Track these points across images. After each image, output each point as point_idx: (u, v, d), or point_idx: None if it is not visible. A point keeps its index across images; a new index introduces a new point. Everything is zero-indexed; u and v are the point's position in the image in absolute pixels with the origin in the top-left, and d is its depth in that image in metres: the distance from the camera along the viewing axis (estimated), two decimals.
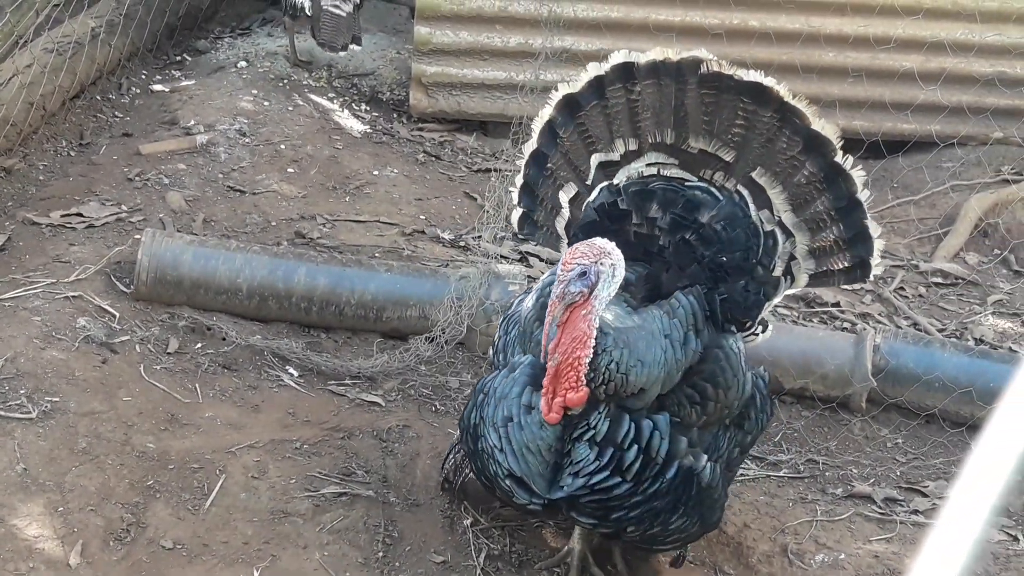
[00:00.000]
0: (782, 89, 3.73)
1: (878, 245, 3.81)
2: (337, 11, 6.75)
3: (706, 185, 3.77)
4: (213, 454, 4.14)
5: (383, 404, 4.54)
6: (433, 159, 6.52)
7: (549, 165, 3.95)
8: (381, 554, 3.89)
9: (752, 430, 3.69)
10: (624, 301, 3.46)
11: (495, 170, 5.81)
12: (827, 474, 4.53)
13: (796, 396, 4.86)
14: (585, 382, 3.25)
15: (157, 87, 6.79)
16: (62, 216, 5.30)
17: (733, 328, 3.63)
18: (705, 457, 3.46)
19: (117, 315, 4.68)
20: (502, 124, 6.39)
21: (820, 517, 4.22)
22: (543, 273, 4.30)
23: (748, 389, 3.60)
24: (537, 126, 3.97)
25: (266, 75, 6.91)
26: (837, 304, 5.46)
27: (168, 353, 4.61)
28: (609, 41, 6.40)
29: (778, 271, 3.79)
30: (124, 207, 5.42)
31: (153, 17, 7.01)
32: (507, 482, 3.41)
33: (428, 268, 5.06)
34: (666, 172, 3.80)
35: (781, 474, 4.49)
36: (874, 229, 3.80)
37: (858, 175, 3.75)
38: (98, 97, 6.56)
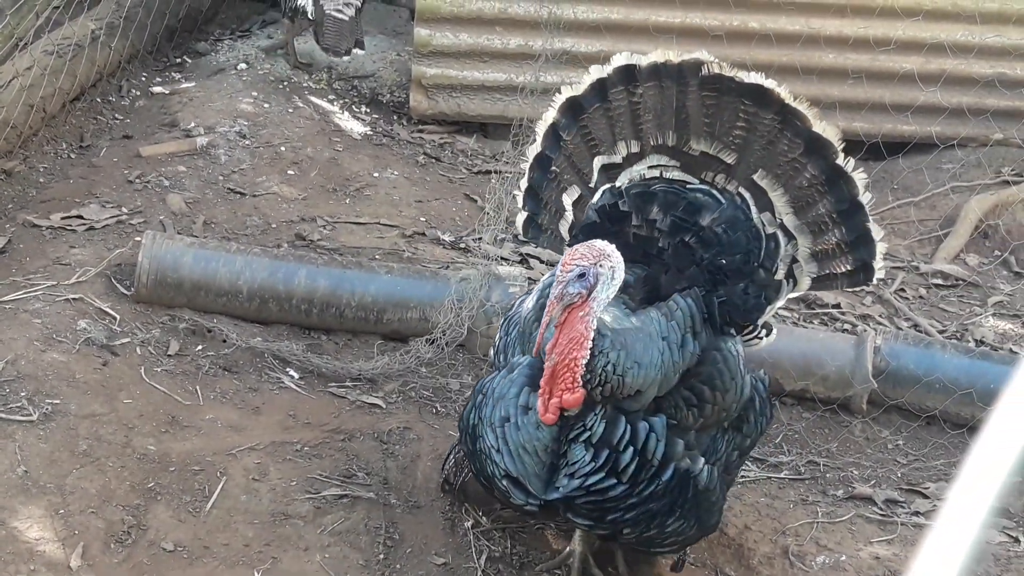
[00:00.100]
0: (783, 91, 3.72)
1: (880, 248, 3.80)
2: (340, 15, 6.76)
3: (708, 188, 3.76)
4: (214, 456, 4.15)
5: (384, 406, 4.54)
6: (433, 161, 6.52)
7: (553, 168, 3.95)
8: (382, 556, 3.89)
9: (751, 433, 3.69)
10: (623, 303, 3.46)
11: (495, 172, 5.81)
12: (828, 476, 4.53)
13: (797, 398, 4.86)
14: (581, 383, 3.25)
15: (157, 89, 6.79)
16: (62, 218, 5.30)
17: (732, 331, 3.63)
18: (702, 460, 3.45)
19: (117, 317, 4.68)
20: (502, 126, 6.39)
21: (821, 519, 4.22)
22: (543, 275, 4.30)
23: (747, 392, 3.60)
24: (541, 129, 3.97)
25: (266, 77, 6.91)
26: (838, 306, 5.46)
27: (169, 355, 4.61)
28: (609, 43, 6.41)
29: (780, 274, 3.78)
30: (124, 209, 5.42)
31: (153, 19, 7.01)
32: (504, 482, 3.41)
33: (428, 270, 5.06)
34: (668, 175, 3.80)
35: (782, 476, 4.49)
36: (876, 232, 3.79)
37: (859, 178, 3.75)
38: (98, 99, 6.56)
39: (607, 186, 3.85)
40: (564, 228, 3.95)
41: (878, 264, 3.81)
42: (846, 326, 5.31)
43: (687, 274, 3.56)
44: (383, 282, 4.87)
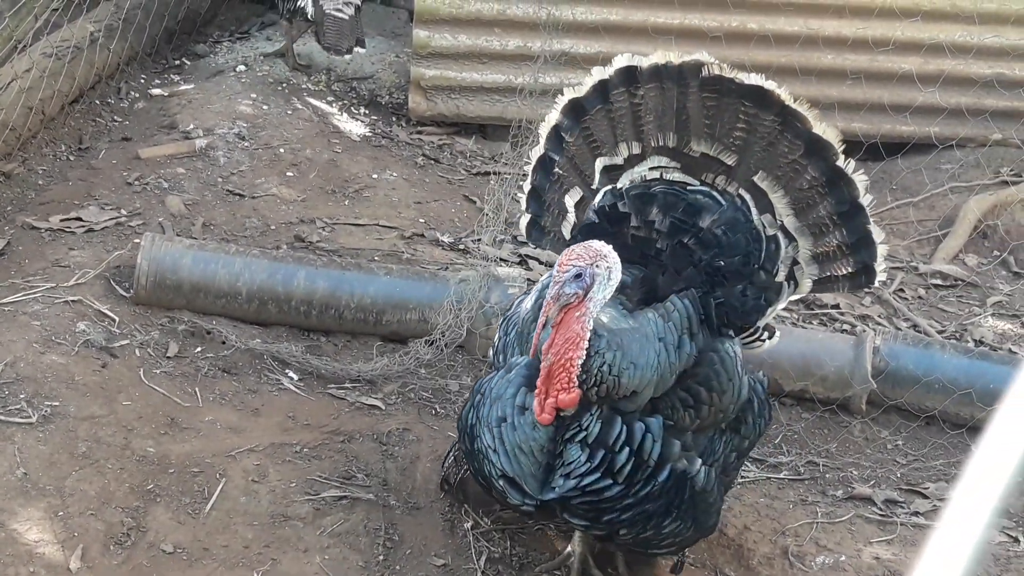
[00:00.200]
0: (783, 93, 3.72)
1: (881, 250, 3.79)
2: (340, 15, 6.78)
3: (708, 189, 3.76)
4: (213, 458, 4.14)
5: (383, 407, 4.54)
6: (432, 162, 6.52)
7: (556, 170, 3.96)
8: (381, 557, 3.89)
9: (749, 435, 3.68)
10: (620, 303, 3.46)
11: (494, 173, 5.81)
12: (827, 476, 4.53)
13: (796, 398, 4.86)
14: (577, 383, 3.25)
15: (156, 91, 6.79)
16: (61, 220, 5.30)
17: (731, 332, 3.62)
18: (700, 461, 3.45)
19: (117, 319, 4.68)
20: (501, 127, 6.40)
21: (821, 519, 4.22)
22: (542, 276, 4.30)
23: (744, 393, 3.59)
24: (544, 130, 3.97)
25: (265, 79, 6.91)
26: (837, 306, 5.46)
27: (168, 357, 4.61)
28: (608, 44, 6.42)
29: (781, 276, 3.78)
30: (123, 211, 5.42)
31: (152, 21, 7.01)
32: (501, 482, 3.42)
33: (427, 271, 5.06)
34: (668, 176, 3.80)
35: (781, 476, 4.49)
36: (877, 234, 3.78)
37: (860, 179, 3.74)
38: (97, 101, 6.56)
39: (608, 187, 3.85)
40: (567, 230, 3.94)
41: (880, 266, 3.81)
42: (845, 326, 5.31)
43: (684, 275, 3.55)
44: (382, 283, 4.87)
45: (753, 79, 3.73)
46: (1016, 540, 4.18)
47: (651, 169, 3.82)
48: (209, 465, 4.11)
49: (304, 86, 7.00)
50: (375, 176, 6.16)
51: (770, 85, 3.73)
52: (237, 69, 7.02)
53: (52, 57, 6.06)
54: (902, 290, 5.76)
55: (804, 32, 6.53)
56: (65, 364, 4.36)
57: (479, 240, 5.44)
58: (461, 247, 5.59)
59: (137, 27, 6.86)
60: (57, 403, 4.18)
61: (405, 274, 4.96)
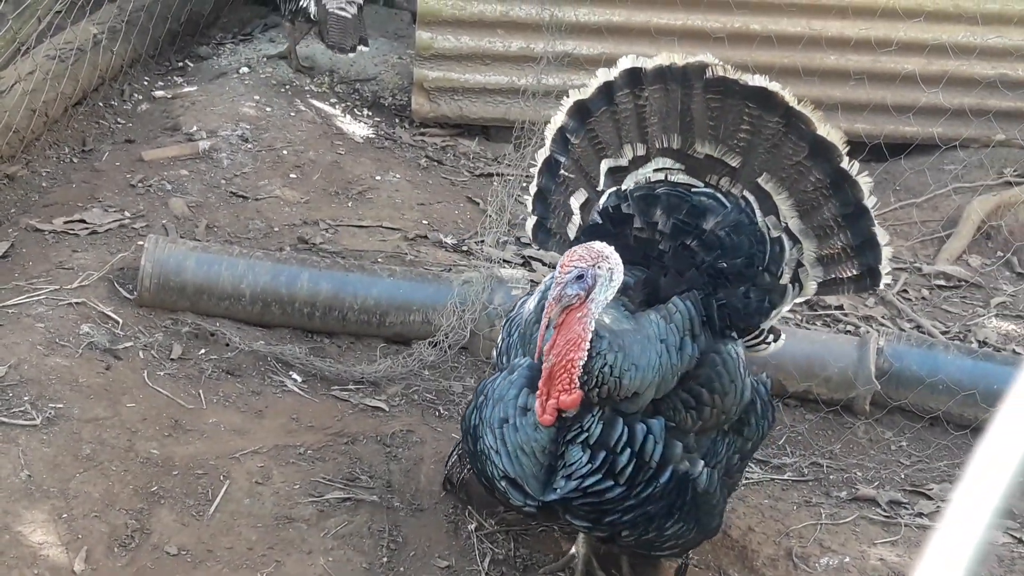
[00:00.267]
0: (787, 94, 3.71)
1: (886, 253, 3.78)
2: (343, 13, 6.80)
3: (712, 191, 3.76)
4: (217, 460, 4.15)
5: (387, 409, 4.54)
6: (435, 164, 6.53)
7: (561, 172, 3.95)
8: (385, 559, 3.89)
9: (752, 436, 3.67)
10: (622, 305, 3.45)
11: (497, 175, 5.82)
12: (831, 477, 4.52)
13: (800, 399, 4.85)
14: (579, 385, 3.25)
15: (159, 93, 6.79)
16: (65, 223, 5.31)
17: (734, 334, 3.61)
18: (702, 463, 3.44)
19: (120, 321, 4.68)
20: (504, 128, 6.40)
21: (824, 520, 4.22)
22: (546, 277, 4.30)
23: (747, 395, 3.58)
24: (550, 133, 3.97)
25: (268, 80, 6.92)
26: (840, 307, 5.46)
27: (171, 359, 4.61)
28: (611, 45, 6.42)
29: (785, 278, 3.77)
30: (127, 213, 5.43)
31: (155, 23, 7.02)
32: (503, 483, 3.41)
33: (431, 273, 5.06)
34: (672, 178, 3.80)
35: (785, 477, 4.48)
36: (882, 236, 3.77)
37: (864, 181, 3.73)
38: (100, 103, 6.57)
39: (612, 189, 3.85)
40: (572, 232, 3.94)
41: (885, 269, 3.80)
42: (849, 327, 5.31)
43: (686, 277, 3.55)
44: (385, 285, 4.88)
45: (757, 80, 3.72)
46: (1020, 541, 4.18)
47: (655, 171, 3.82)
48: (213, 467, 4.11)
49: (307, 88, 7.01)
50: (378, 178, 6.17)
51: (774, 86, 3.72)
52: (240, 71, 7.03)
53: (55, 59, 6.07)
54: (906, 291, 5.75)
55: (807, 33, 6.52)
56: (69, 366, 4.36)
57: (482, 242, 5.44)
58: (464, 249, 5.59)
59: (140, 29, 6.87)
60: (61, 405, 4.18)
61: (408, 276, 4.96)
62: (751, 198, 3.76)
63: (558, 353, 3.24)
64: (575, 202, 3.95)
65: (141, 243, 4.97)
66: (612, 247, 3.31)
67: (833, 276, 3.81)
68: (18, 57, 5.91)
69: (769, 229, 3.75)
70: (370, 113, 6.95)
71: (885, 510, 4.33)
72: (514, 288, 4.83)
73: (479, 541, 3.96)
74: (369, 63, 7.37)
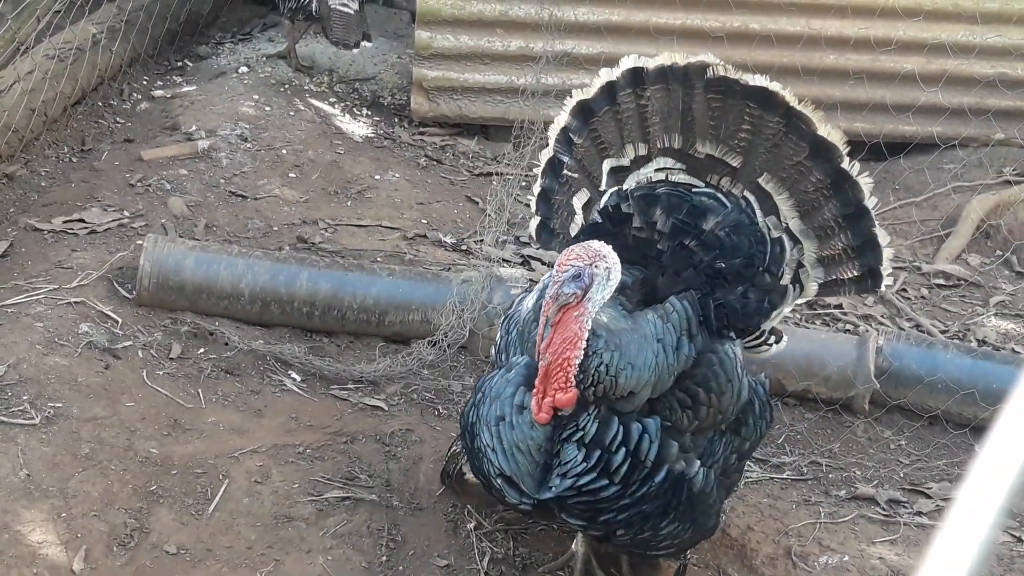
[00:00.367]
0: (788, 94, 3.71)
1: (887, 254, 3.77)
2: (345, 9, 6.86)
3: (713, 191, 3.75)
4: (216, 459, 4.15)
5: (386, 408, 4.54)
6: (434, 163, 6.53)
7: (565, 172, 3.95)
8: (384, 558, 3.89)
9: (750, 436, 3.66)
10: (620, 304, 3.45)
11: (496, 174, 5.82)
12: (830, 476, 4.53)
13: (799, 398, 4.86)
14: (574, 383, 3.25)
15: (158, 93, 6.79)
16: (64, 222, 5.31)
17: (732, 334, 3.61)
18: (698, 463, 3.43)
19: (119, 321, 4.68)
20: (503, 128, 6.40)
21: (824, 519, 4.22)
22: (544, 275, 4.30)
23: (744, 395, 3.57)
24: (553, 133, 3.97)
25: (267, 80, 6.92)
26: (839, 306, 5.46)
27: (171, 358, 4.61)
28: (610, 45, 6.42)
29: (786, 279, 3.77)
30: (126, 213, 5.43)
31: (154, 23, 7.02)
32: (499, 481, 3.42)
33: (430, 272, 5.06)
34: (673, 177, 3.79)
35: (784, 476, 4.49)
36: (883, 237, 3.77)
37: (865, 182, 3.73)
38: (99, 103, 6.57)
39: (613, 189, 3.84)
40: (575, 231, 3.93)
41: (886, 270, 3.79)
42: (848, 326, 5.31)
43: (684, 277, 3.54)
44: (385, 284, 4.88)
45: (758, 80, 3.72)
46: (1020, 540, 4.18)
47: (657, 171, 3.82)
48: (212, 466, 4.11)
49: (306, 87, 7.01)
50: (377, 177, 6.17)
51: (775, 86, 3.72)
52: (239, 70, 7.03)
53: (54, 59, 6.07)
54: (905, 290, 5.76)
55: (806, 32, 6.52)
56: (68, 366, 4.36)
57: (481, 241, 5.44)
58: (463, 248, 5.59)
59: (139, 29, 6.87)
60: (60, 404, 4.18)
61: (408, 275, 4.96)
62: (752, 198, 3.76)
63: (554, 351, 3.24)
64: (578, 202, 3.95)
65: (140, 242, 4.97)
66: (610, 246, 3.30)
67: (834, 277, 3.81)
68: (17, 57, 5.91)
69: (770, 229, 3.75)
70: (369, 112, 6.95)
71: (884, 509, 4.33)
72: (513, 287, 4.83)
73: (478, 540, 3.97)
74: (368, 62, 7.37)
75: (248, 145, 6.13)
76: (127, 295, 4.83)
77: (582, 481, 3.30)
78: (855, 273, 3.80)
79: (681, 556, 3.87)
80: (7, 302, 4.65)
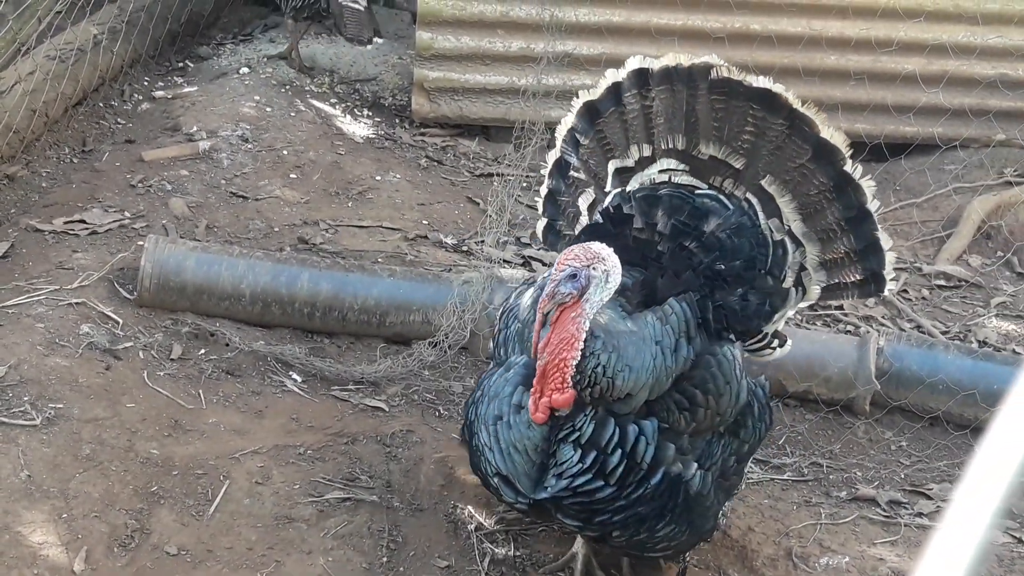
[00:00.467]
0: (791, 96, 3.70)
1: (890, 258, 3.76)
2: (356, 6, 6.98)
3: (715, 193, 3.74)
4: (217, 460, 4.15)
5: (387, 409, 4.54)
6: (435, 164, 6.53)
7: (571, 173, 3.96)
8: (385, 559, 3.89)
9: (749, 439, 3.65)
10: (619, 305, 3.44)
11: (497, 175, 5.82)
12: (831, 477, 4.52)
13: (800, 399, 4.85)
14: (571, 384, 3.25)
15: (159, 93, 6.80)
16: (65, 223, 5.31)
17: (731, 336, 3.60)
18: (695, 465, 3.43)
19: (120, 321, 4.68)
20: (504, 129, 6.40)
21: (824, 520, 4.22)
22: (543, 273, 4.30)
23: (743, 397, 3.55)
24: (560, 134, 3.97)
25: (268, 81, 6.92)
26: (840, 307, 5.45)
27: (171, 359, 4.61)
28: (611, 46, 6.42)
29: (788, 282, 3.76)
30: (127, 213, 5.43)
31: (155, 24, 7.03)
32: (495, 480, 3.42)
33: (431, 273, 5.06)
34: (676, 179, 3.79)
35: (785, 477, 4.48)
36: (885, 241, 3.76)
37: (868, 185, 3.71)
38: (100, 104, 6.57)
39: (617, 190, 3.84)
40: (578, 232, 3.94)
41: (889, 275, 3.78)
42: (849, 327, 5.31)
43: (683, 278, 3.54)
44: (385, 285, 4.88)
45: (761, 82, 3.71)
46: (1020, 541, 4.18)
47: (660, 172, 3.81)
48: (213, 467, 4.11)
49: (307, 88, 7.01)
50: (378, 178, 6.17)
51: (778, 88, 3.71)
52: (240, 71, 7.04)
53: (56, 60, 6.07)
54: (906, 291, 5.75)
55: (807, 33, 6.52)
56: (69, 366, 4.36)
57: (482, 242, 5.44)
58: (464, 249, 5.59)
59: (140, 29, 6.88)
60: (61, 405, 4.18)
61: (408, 276, 4.96)
62: (754, 200, 3.75)
63: (551, 352, 3.24)
64: (584, 203, 3.95)
65: (141, 243, 4.97)
66: (611, 248, 3.30)
67: (837, 281, 3.79)
68: (18, 57, 5.91)
69: (772, 232, 3.74)
70: (370, 113, 6.95)
71: (885, 510, 4.33)
72: (514, 288, 4.83)
73: (479, 541, 3.97)
74: (369, 63, 7.37)
75: (249, 146, 6.13)
76: (128, 296, 4.83)
77: (577, 482, 3.30)
78: (858, 277, 3.78)
79: (681, 558, 3.87)
80: (8, 303, 4.65)
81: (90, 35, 6.44)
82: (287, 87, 6.91)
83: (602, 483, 3.31)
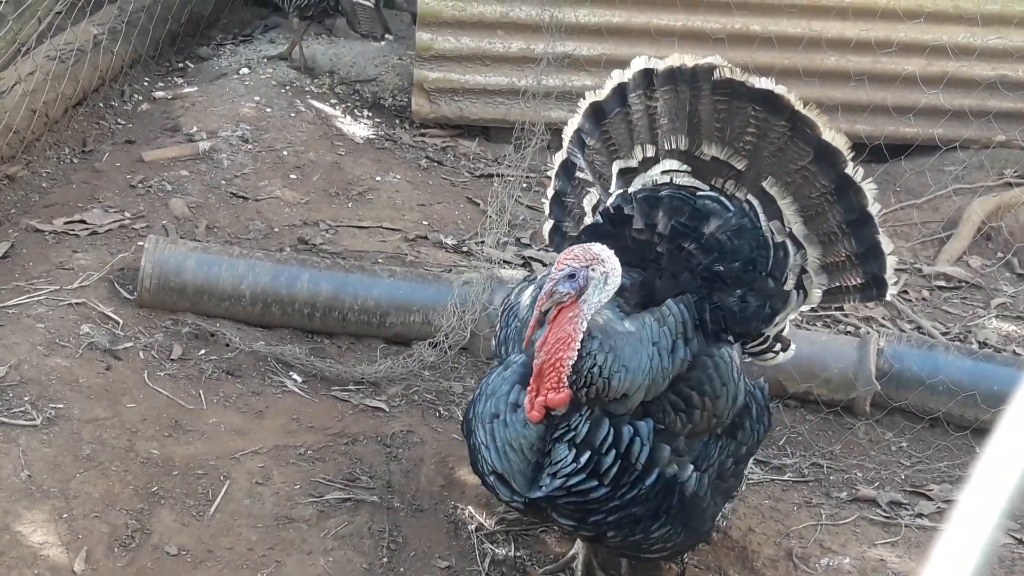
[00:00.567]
0: (793, 98, 3.70)
1: (891, 261, 3.76)
2: (367, 3, 7.17)
3: (716, 195, 3.74)
4: (217, 460, 4.15)
5: (387, 410, 4.54)
6: (435, 165, 6.53)
7: (577, 174, 3.96)
8: (385, 560, 3.89)
9: (747, 441, 3.64)
10: (617, 306, 3.44)
11: (497, 175, 5.82)
12: (831, 478, 4.52)
13: (800, 400, 4.85)
14: (567, 384, 3.25)
15: (159, 94, 6.80)
16: (65, 223, 5.31)
17: (729, 338, 3.60)
18: (692, 467, 3.42)
19: (120, 322, 4.68)
20: (504, 129, 6.40)
21: (825, 521, 4.22)
22: (543, 272, 4.30)
23: (741, 399, 3.54)
24: (567, 134, 3.97)
25: (268, 81, 6.92)
26: (840, 308, 5.45)
27: (172, 360, 4.61)
28: (611, 46, 6.42)
29: (789, 284, 3.76)
30: (127, 214, 5.43)
31: (155, 24, 7.03)
32: (491, 478, 3.43)
33: (431, 274, 5.06)
34: (678, 180, 3.79)
35: (785, 478, 4.49)
36: (886, 245, 3.75)
37: (869, 188, 3.71)
38: (101, 104, 6.57)
39: (620, 191, 3.84)
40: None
41: (891, 279, 3.77)
42: (849, 328, 5.31)
43: (680, 280, 3.54)
44: (386, 286, 4.88)
45: (764, 83, 3.71)
46: (1020, 542, 4.18)
47: (663, 173, 3.81)
48: (213, 467, 4.11)
49: (307, 88, 7.01)
50: (378, 178, 6.17)
51: (780, 89, 3.71)
52: (240, 72, 7.04)
53: (56, 60, 6.07)
54: (906, 292, 5.76)
55: (807, 34, 6.52)
56: (69, 367, 4.36)
57: (482, 242, 5.44)
58: (464, 249, 5.59)
59: (140, 30, 6.88)
60: (61, 405, 4.18)
61: (409, 276, 4.96)
62: (755, 202, 3.75)
63: (548, 351, 3.24)
64: (588, 203, 3.95)
65: (141, 244, 4.97)
66: (611, 249, 3.30)
67: (838, 284, 3.79)
68: (18, 58, 5.92)
69: (773, 234, 3.73)
70: (370, 114, 6.95)
71: (885, 511, 4.33)
72: (515, 286, 4.83)
73: (479, 541, 3.97)
74: (369, 64, 7.38)
75: (249, 146, 6.13)
76: (128, 296, 4.83)
77: (571, 481, 3.30)
78: (859, 281, 3.78)
79: (680, 559, 3.87)
80: (8, 303, 4.65)
81: (90, 35, 6.45)
82: (287, 87, 6.91)
83: (596, 483, 3.31)
